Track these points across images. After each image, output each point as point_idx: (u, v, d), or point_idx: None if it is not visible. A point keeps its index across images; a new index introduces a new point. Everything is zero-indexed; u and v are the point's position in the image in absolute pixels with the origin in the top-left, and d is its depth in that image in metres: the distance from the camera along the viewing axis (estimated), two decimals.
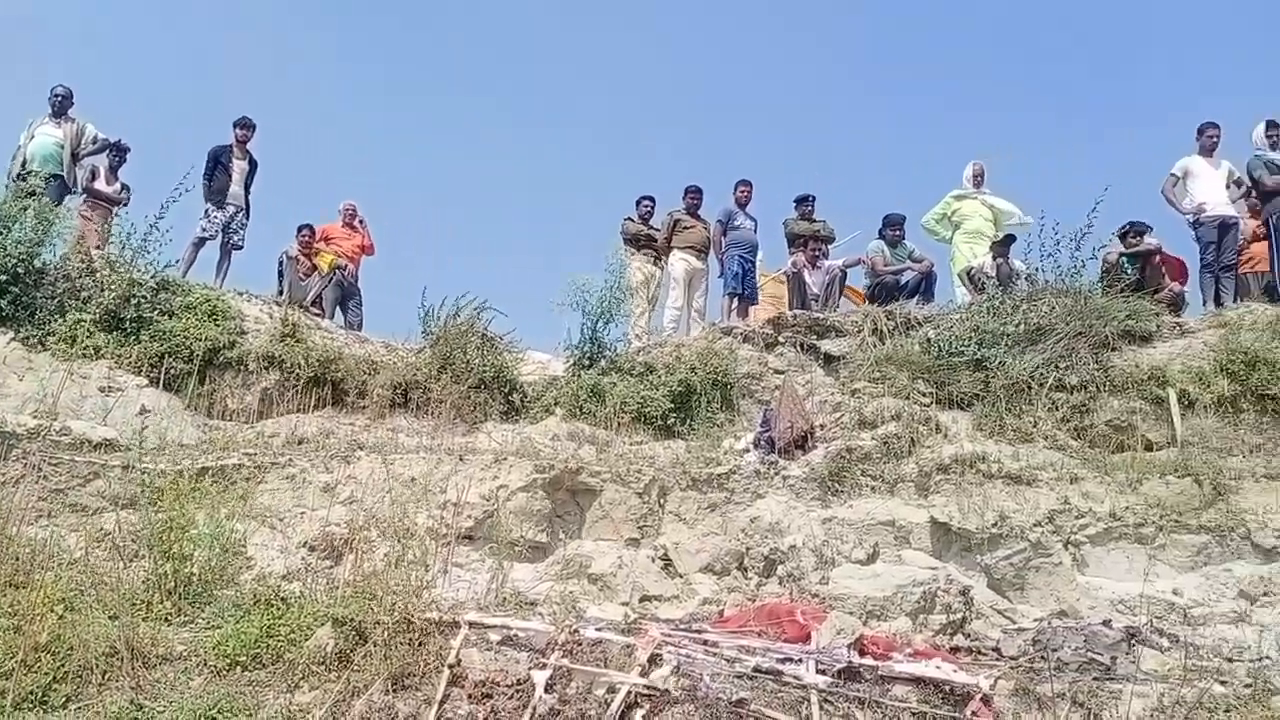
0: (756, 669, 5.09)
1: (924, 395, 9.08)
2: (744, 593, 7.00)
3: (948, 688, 4.86)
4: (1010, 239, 10.88)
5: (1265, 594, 6.77)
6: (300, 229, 11.90)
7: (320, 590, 6.25)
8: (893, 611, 6.35)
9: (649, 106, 45.71)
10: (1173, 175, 10.48)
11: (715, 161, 43.38)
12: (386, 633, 5.38)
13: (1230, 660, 5.63)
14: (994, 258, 10.71)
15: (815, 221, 12.04)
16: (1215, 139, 10.52)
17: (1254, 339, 8.73)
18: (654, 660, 5.21)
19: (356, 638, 5.47)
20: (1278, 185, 10.18)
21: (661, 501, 8.14)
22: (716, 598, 6.93)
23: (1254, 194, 10.55)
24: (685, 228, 11.90)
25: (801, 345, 10.13)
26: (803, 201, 12.16)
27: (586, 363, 9.94)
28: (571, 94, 46.24)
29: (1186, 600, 6.82)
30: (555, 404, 9.55)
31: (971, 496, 7.71)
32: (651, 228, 12.15)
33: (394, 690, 5.22)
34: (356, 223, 12.55)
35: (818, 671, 4.99)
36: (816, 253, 11.47)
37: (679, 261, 11.77)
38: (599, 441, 8.83)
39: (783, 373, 9.81)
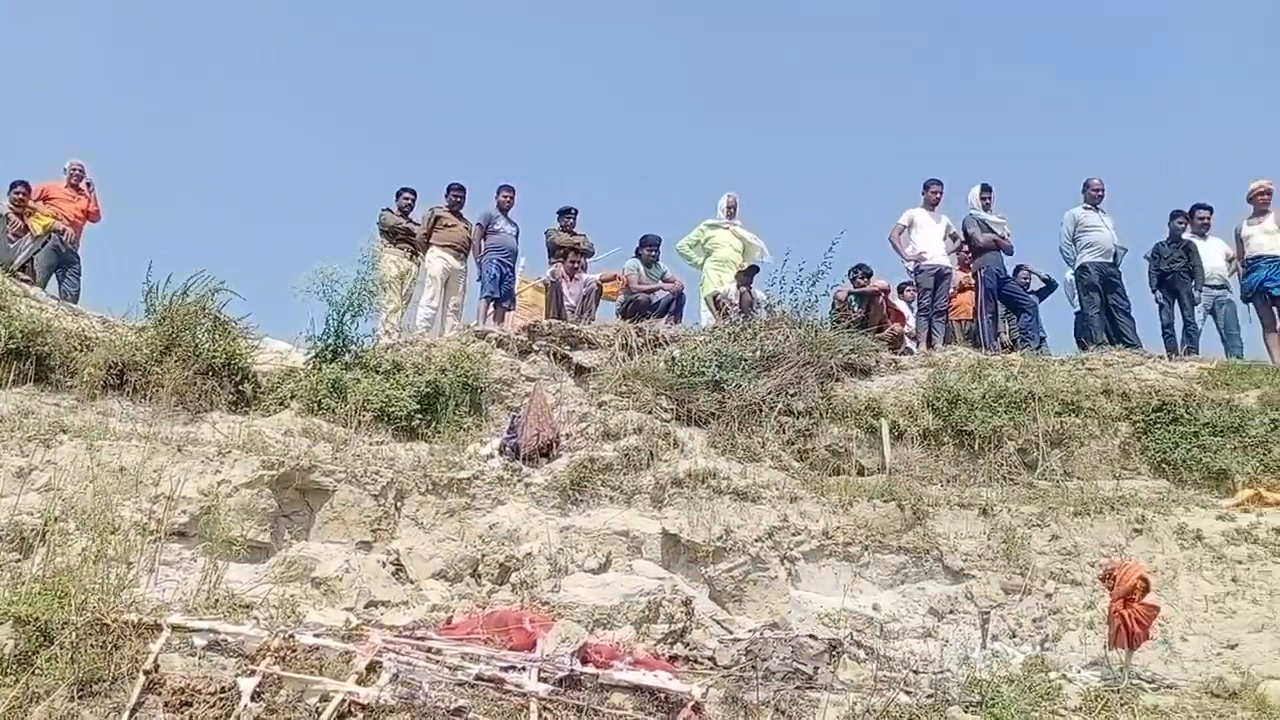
0: (479, 677, 5.05)
1: (665, 411, 9.41)
2: (475, 600, 6.94)
3: (663, 695, 5.01)
4: (754, 270, 11.50)
5: (951, 611, 7.47)
6: (14, 185, 10.73)
7: (2, 585, 5.61)
8: (619, 620, 6.48)
9: (415, 93, 44.76)
10: (899, 224, 11.47)
11: (481, 161, 43.10)
12: (76, 634, 4.90)
13: (916, 672, 6.14)
14: (739, 286, 11.27)
15: (576, 234, 12.21)
16: (938, 195, 11.62)
17: (956, 379, 9.66)
18: (373, 668, 5.05)
19: (41, 639, 4.96)
20: (988, 243, 11.38)
21: (399, 505, 7.94)
22: (447, 604, 6.83)
23: (966, 248, 11.73)
24: (446, 225, 11.72)
25: (555, 355, 10.22)
26: (565, 214, 12.30)
27: (330, 356, 9.53)
28: (356, 75, 44.49)
29: (884, 615, 7.41)
30: (292, 397, 9.10)
31: (701, 510, 8.04)
32: (411, 221, 11.88)
33: (80, 697, 4.76)
34: (83, 185, 11.44)
35: (539, 679, 5.01)
36: (575, 265, 11.63)
37: (437, 259, 11.57)
38: (336, 439, 8.49)
39: (534, 380, 9.85)
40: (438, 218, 11.73)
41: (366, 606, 6.67)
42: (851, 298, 11.18)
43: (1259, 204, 11.30)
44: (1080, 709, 5.37)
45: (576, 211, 12.34)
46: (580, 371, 10.14)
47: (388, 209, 11.92)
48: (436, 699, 4.83)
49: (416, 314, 11.56)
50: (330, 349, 9.55)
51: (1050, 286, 12.29)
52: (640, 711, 5.03)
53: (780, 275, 10.81)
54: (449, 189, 11.99)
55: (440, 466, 8.21)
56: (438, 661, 5.21)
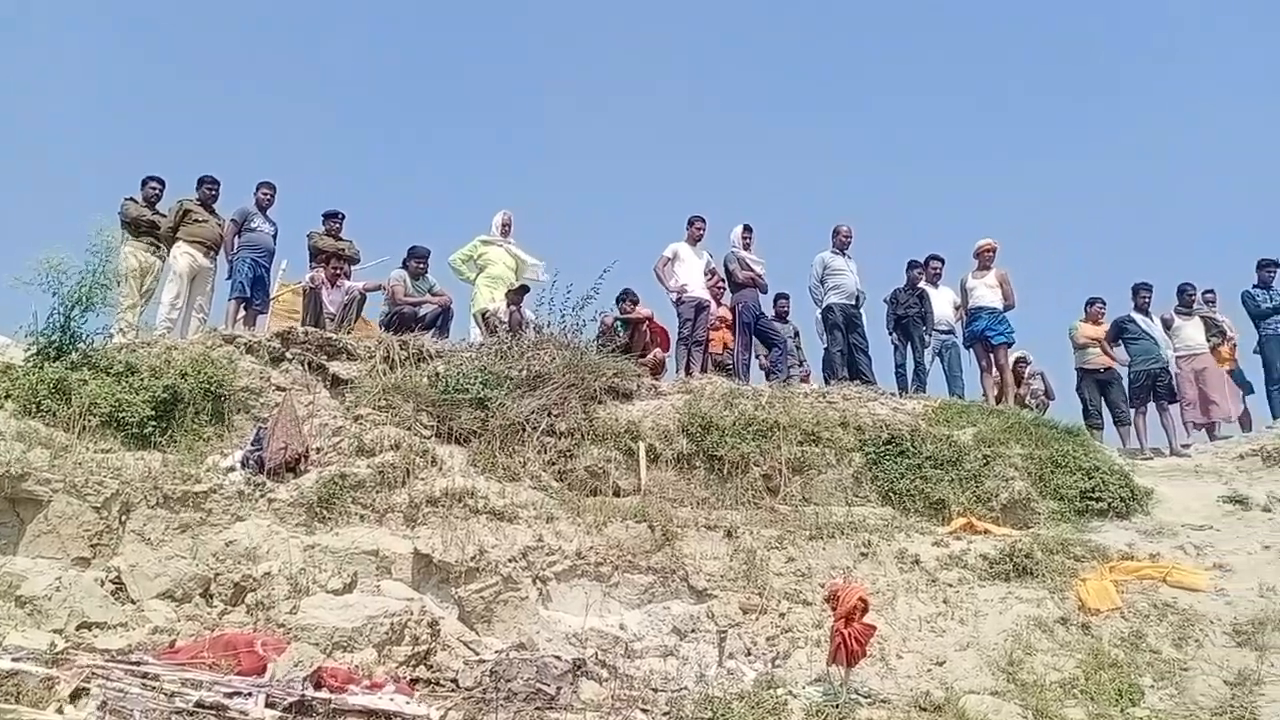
0: (199, 704, 4.75)
1: (426, 428, 9.22)
2: (204, 622, 6.52)
3: (399, 719, 4.90)
4: (525, 289, 11.52)
5: (693, 630, 7.73)
6: None
7: None
8: (361, 643, 6.28)
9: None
10: (664, 256, 11.84)
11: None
12: None
13: (656, 690, 6.33)
14: (509, 304, 11.25)
15: (341, 240, 11.79)
16: (701, 231, 12.10)
17: (711, 406, 10.05)
18: (79, 695, 4.64)
19: None
20: (746, 280, 11.95)
21: (124, 519, 7.37)
22: (171, 627, 6.37)
23: (726, 284, 12.27)
24: (196, 220, 10.99)
25: (310, 364, 9.78)
26: (331, 217, 11.86)
27: (53, 354, 8.71)
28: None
29: (630, 634, 7.58)
30: (6, 396, 8.24)
31: (456, 530, 7.94)
32: (158, 213, 11.07)
33: None
34: None
35: (267, 705, 4.78)
36: (338, 271, 11.22)
37: (183, 255, 10.82)
38: (55, 445, 7.76)
39: (285, 390, 9.38)
40: (186, 211, 10.98)
41: (78, 628, 6.13)
42: (617, 323, 11.42)
43: (983, 260, 12.51)
44: None
45: (344, 216, 11.93)
46: (337, 383, 9.77)
47: (131, 198, 11.04)
48: None
49: (157, 313, 10.74)
50: (54, 346, 8.73)
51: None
52: None
53: (550, 297, 10.92)
54: (201, 181, 11.25)
55: (174, 478, 7.68)
56: (154, 688, 4.87)
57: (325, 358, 9.88)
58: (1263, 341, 12.46)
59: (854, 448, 10.03)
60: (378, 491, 8.26)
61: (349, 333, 10.61)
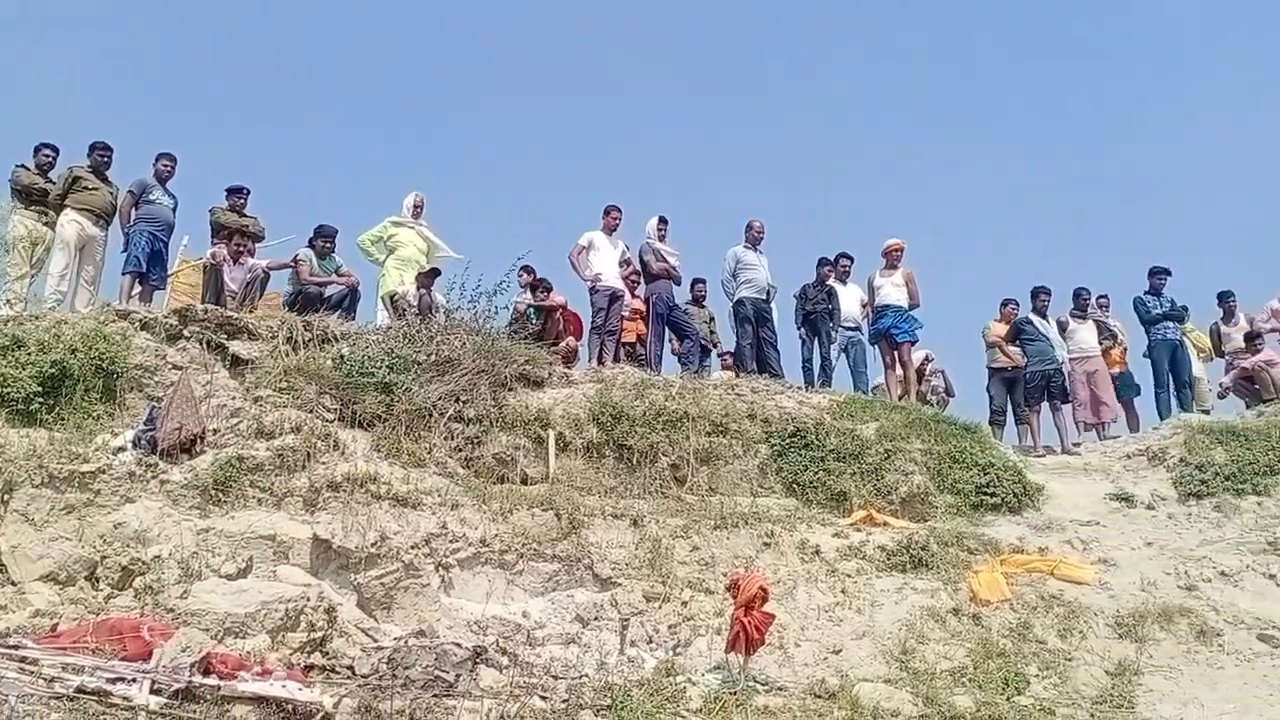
0: (80, 689, 4.57)
1: (329, 411, 9.02)
2: (89, 606, 6.28)
3: (290, 707, 4.80)
4: (436, 272, 11.36)
5: (596, 618, 7.72)
6: None
7: None
8: (254, 628, 6.12)
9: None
10: (579, 245, 11.81)
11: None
12: None
13: (556, 678, 6.32)
14: (419, 287, 11.08)
15: (246, 216, 11.45)
16: (617, 221, 12.10)
17: (622, 396, 10.07)
18: None
19: None
20: (661, 271, 11.99)
21: (6, 498, 7.04)
22: (54, 610, 6.12)
23: (642, 274, 12.29)
24: (87, 187, 10.51)
25: (209, 343, 9.46)
26: (236, 192, 11.51)
27: None
28: None
29: (533, 622, 7.54)
30: None
31: (357, 515, 7.79)
32: (50, 181, 10.59)
33: None
34: None
35: (152, 691, 4.62)
36: (241, 248, 10.90)
37: (71, 224, 10.35)
38: None
39: (182, 369, 9.07)
40: (76, 178, 10.49)
41: None
42: (530, 310, 11.36)
43: (891, 259, 12.79)
44: (701, 710, 5.76)
45: (249, 191, 11.60)
46: (237, 363, 9.48)
47: (23, 165, 10.55)
48: (25, 713, 4.31)
49: (45, 285, 10.27)
50: None
51: None
52: None
53: (461, 282, 10.78)
54: (93, 147, 10.74)
55: (61, 457, 7.37)
56: (32, 673, 4.67)
57: (225, 337, 9.58)
58: (1152, 346, 13.03)
59: (760, 439, 10.16)
60: (277, 475, 8.06)
61: (251, 312, 10.31)
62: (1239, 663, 7.28)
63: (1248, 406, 12.35)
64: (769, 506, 9.40)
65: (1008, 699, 6.39)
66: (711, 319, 13.03)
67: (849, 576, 8.21)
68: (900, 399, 12.06)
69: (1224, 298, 13.64)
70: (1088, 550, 9.21)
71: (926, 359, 13.98)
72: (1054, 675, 6.98)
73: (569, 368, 11.10)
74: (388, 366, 9.39)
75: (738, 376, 11.64)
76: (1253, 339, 12.77)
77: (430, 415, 9.25)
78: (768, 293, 12.20)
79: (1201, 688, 6.86)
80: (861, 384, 12.44)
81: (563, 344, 11.49)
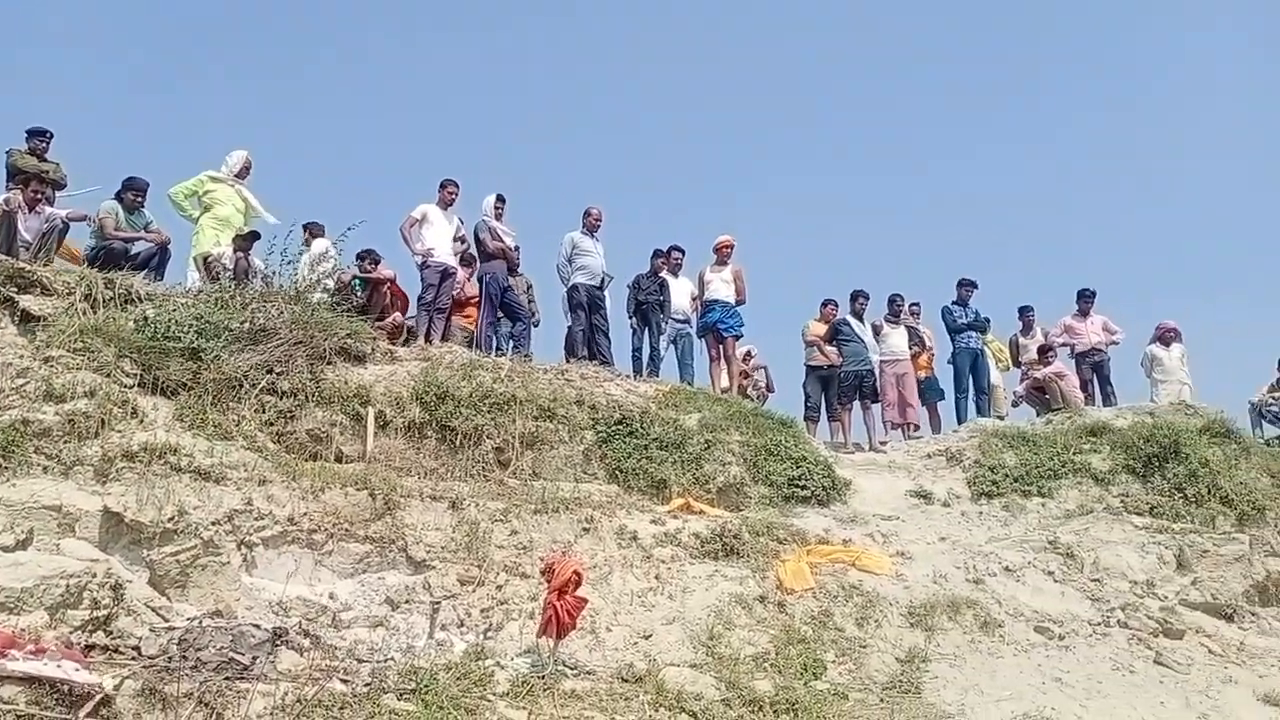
0: None
1: (128, 376, 8.44)
2: None
3: (66, 687, 4.46)
4: (255, 235, 10.82)
5: (407, 601, 7.55)
6: None
7: None
8: (31, 604, 5.66)
9: None
10: (412, 217, 11.51)
11: None
12: None
13: (361, 661, 6.13)
14: (235, 250, 10.53)
15: (47, 161, 10.58)
16: (453, 195, 11.86)
17: (448, 376, 9.89)
18: None
19: None
20: (496, 250, 11.83)
21: None
22: None
23: (476, 254, 12.09)
24: None
25: None
26: (37, 135, 10.62)
27: None
28: None
29: (339, 604, 7.30)
30: None
31: (155, 488, 7.32)
32: None
33: None
34: None
35: None
36: (39, 195, 10.05)
37: None
38: None
39: None
40: None
41: None
42: (356, 282, 10.98)
43: (721, 255, 13.08)
44: (508, 694, 5.72)
45: (52, 135, 10.70)
46: (27, 320, 8.72)
47: None
48: None
49: None
50: None
51: None
52: (35, 706, 4.43)
53: (283, 247, 10.29)
54: None
55: None
56: None
57: (15, 290, 8.80)
58: (956, 353, 13.86)
59: (587, 426, 10.20)
60: (66, 442, 7.48)
61: (46, 265, 9.52)
62: (1017, 652, 7.83)
63: (1038, 414, 13.30)
64: (591, 492, 9.45)
65: (805, 684, 6.65)
66: (530, 287, 12.85)
67: (664, 563, 8.34)
68: (723, 392, 12.36)
69: (1024, 312, 14.66)
70: (888, 543, 9.71)
71: (749, 354, 14.40)
72: (850, 662, 7.32)
73: (393, 345, 10.80)
74: (196, 332, 8.87)
75: (574, 361, 11.64)
76: (1045, 352, 13.76)
77: (241, 386, 8.81)
78: (602, 280, 12.25)
79: (983, 676, 7.34)
80: (688, 375, 12.68)
81: (388, 319, 11.17)
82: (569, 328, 12.34)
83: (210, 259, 10.46)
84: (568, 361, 11.80)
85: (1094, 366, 13.93)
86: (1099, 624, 8.51)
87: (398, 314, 11.49)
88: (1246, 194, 47.03)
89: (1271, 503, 11.13)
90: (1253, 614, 9.84)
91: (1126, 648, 8.07)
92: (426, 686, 5.37)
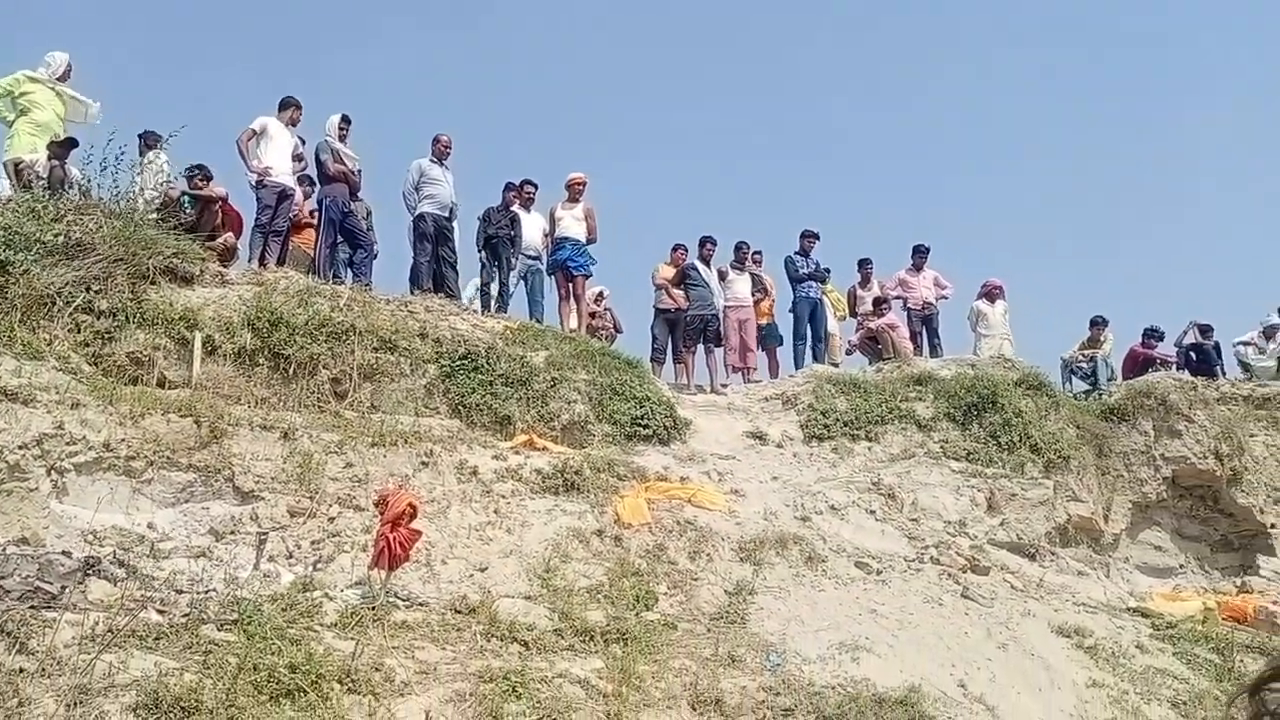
0: None
1: None
2: None
3: None
4: (72, 143, 10.03)
5: (233, 532, 7.29)
6: None
7: None
8: None
9: None
10: (251, 129, 10.88)
11: None
12: None
13: (179, 591, 5.90)
14: (50, 158, 9.75)
15: None
16: (298, 115, 11.28)
17: (283, 302, 9.49)
18: None
19: None
20: (338, 173, 11.33)
21: None
22: None
23: (316, 176, 11.57)
24: None
25: None
26: None
27: None
28: None
29: (159, 534, 6.99)
30: None
31: None
32: None
33: None
34: None
35: None
36: None
37: None
38: None
39: None
40: None
41: None
42: (185, 198, 10.36)
43: (573, 192, 12.96)
44: (336, 625, 5.64)
45: None
46: None
47: None
48: None
49: None
50: None
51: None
52: None
53: (103, 156, 9.57)
54: None
55: None
56: None
57: None
58: (796, 302, 14.27)
59: (430, 359, 10.02)
60: None
61: None
62: (838, 586, 8.23)
63: (870, 363, 13.88)
64: (431, 426, 9.31)
65: (636, 614, 6.81)
66: (369, 213, 12.42)
67: (503, 498, 8.34)
68: (571, 331, 12.35)
69: (862, 265, 15.20)
70: (723, 481, 9.99)
71: (601, 294, 14.42)
72: (680, 594, 7.54)
73: (225, 267, 10.28)
74: (4, 243, 8.20)
75: (418, 293, 11.34)
76: (880, 304, 14.33)
77: (54, 303, 8.22)
78: (450, 210, 11.96)
79: (804, 607, 7.69)
80: (537, 312, 12.60)
81: (220, 240, 10.60)
82: (414, 259, 12.01)
83: (23, 165, 9.63)
84: (411, 293, 11.51)
85: (924, 319, 14.62)
86: (914, 560, 9.04)
87: (230, 235, 10.91)
88: (1080, 174, 50.06)
89: (1075, 452, 12.04)
90: (1053, 553, 10.68)
91: (937, 582, 8.60)
92: (249, 617, 5.22)
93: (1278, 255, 42.12)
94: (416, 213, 11.75)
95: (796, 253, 14.36)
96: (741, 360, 13.55)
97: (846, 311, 15.17)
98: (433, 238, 11.70)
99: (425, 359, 9.99)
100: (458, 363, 10.06)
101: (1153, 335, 14.81)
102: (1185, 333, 14.97)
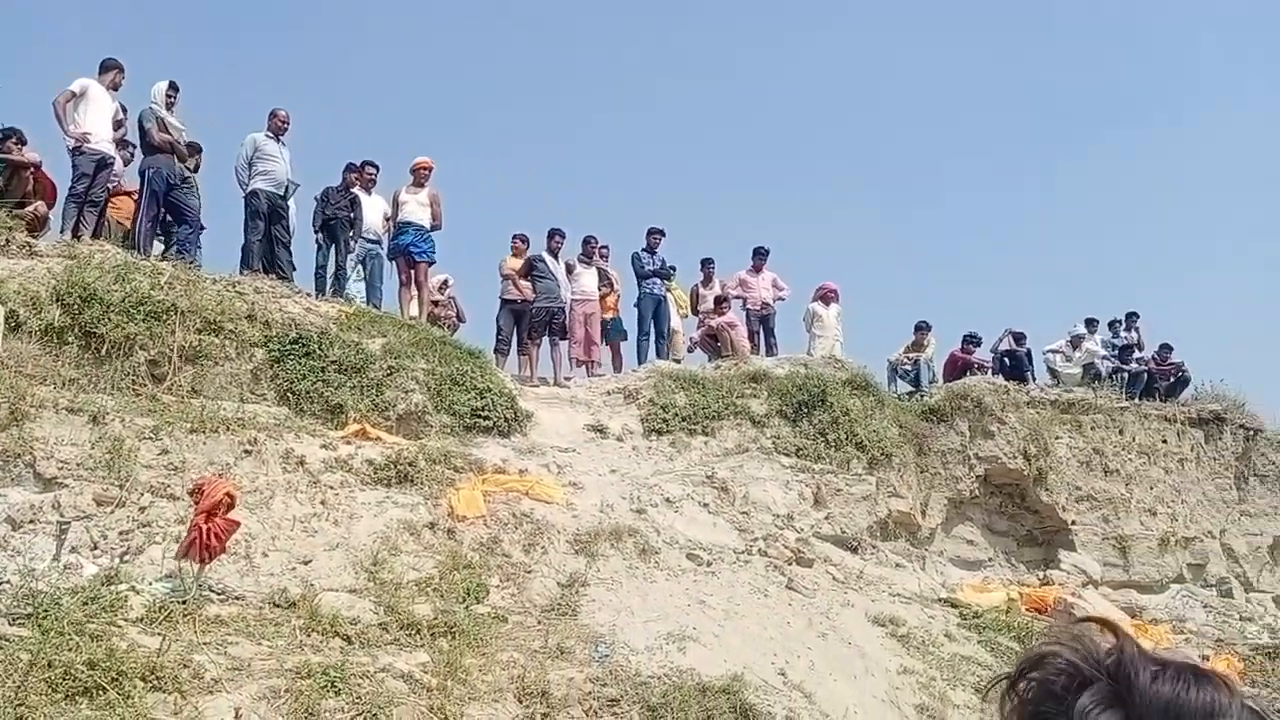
0: None
1: None
2: None
3: None
4: None
5: (32, 521, 6.80)
6: None
7: None
8: None
9: None
10: (69, 91, 10.14)
11: None
12: None
13: None
14: None
15: None
16: (120, 80, 10.60)
17: (97, 277, 8.90)
18: None
19: None
20: (163, 143, 10.67)
21: None
22: None
23: (139, 145, 10.89)
24: None
25: None
26: None
27: None
28: None
29: None
30: None
31: None
32: None
33: None
34: None
35: None
36: None
37: None
38: None
39: None
40: None
41: None
42: None
43: (418, 177, 12.67)
44: (142, 620, 5.34)
45: None
46: None
47: None
48: None
49: None
50: None
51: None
52: None
53: None
54: None
55: None
56: None
57: None
58: (641, 298, 14.43)
59: (258, 343, 9.64)
60: None
61: None
62: (669, 577, 8.38)
63: (710, 360, 14.16)
64: (257, 413, 8.94)
65: (466, 608, 6.74)
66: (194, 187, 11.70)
67: (331, 488, 8.09)
68: (412, 319, 12.09)
69: (705, 264, 15.48)
70: (562, 474, 10.00)
71: (445, 283, 14.19)
72: (513, 586, 7.52)
73: (34, 237, 9.56)
74: None
75: (248, 273, 10.83)
76: (720, 302, 14.64)
77: None
78: (286, 188, 11.49)
79: (636, 598, 7.79)
80: (375, 298, 12.28)
81: (29, 208, 9.85)
82: (245, 237, 11.47)
83: None
84: (241, 273, 10.99)
85: (761, 319, 15.03)
86: (743, 552, 9.30)
87: (41, 204, 10.16)
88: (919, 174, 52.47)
89: (898, 450, 12.64)
90: (873, 546, 11.19)
91: (764, 574, 8.88)
92: (45, 611, 4.89)
93: (1089, 270, 45.39)
94: (249, 189, 11.24)
95: (643, 249, 14.51)
96: (586, 354, 13.59)
97: (689, 309, 15.42)
98: (266, 215, 11.21)
99: (253, 342, 9.59)
100: (288, 347, 9.69)
101: (971, 341, 15.67)
102: (1001, 340, 15.92)
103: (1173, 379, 16.19)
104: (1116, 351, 16.31)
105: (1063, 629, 1.09)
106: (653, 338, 14.43)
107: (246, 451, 8.09)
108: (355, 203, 12.08)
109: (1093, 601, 10.78)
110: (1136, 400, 15.43)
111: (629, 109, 54.08)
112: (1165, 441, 15.17)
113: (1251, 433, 16.03)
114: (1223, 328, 42.55)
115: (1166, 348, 16.55)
